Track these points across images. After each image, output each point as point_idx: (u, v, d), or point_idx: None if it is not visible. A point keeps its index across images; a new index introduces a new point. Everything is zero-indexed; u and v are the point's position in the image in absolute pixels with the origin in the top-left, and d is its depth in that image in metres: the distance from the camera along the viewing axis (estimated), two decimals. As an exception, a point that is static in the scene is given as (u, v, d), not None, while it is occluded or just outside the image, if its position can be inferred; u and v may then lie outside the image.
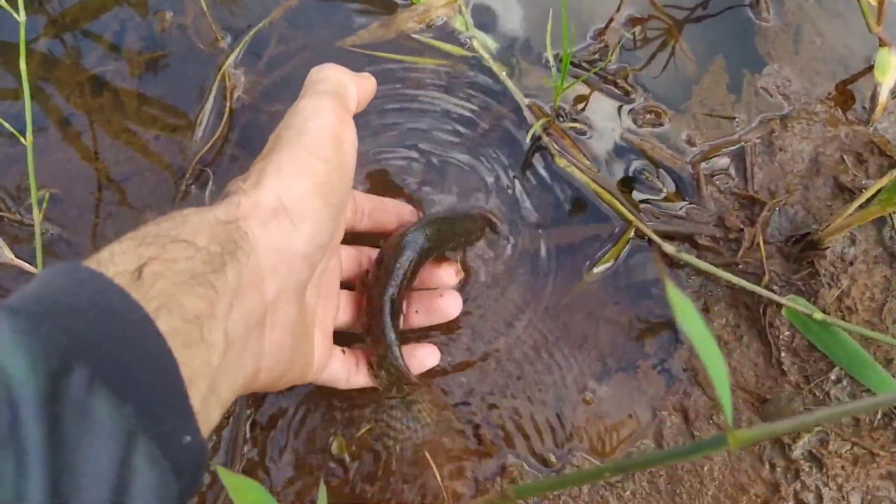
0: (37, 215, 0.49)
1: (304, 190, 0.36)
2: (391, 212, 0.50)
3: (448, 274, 0.50)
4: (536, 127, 0.55)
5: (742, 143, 0.57)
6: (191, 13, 0.61)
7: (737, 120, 0.59)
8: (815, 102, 0.60)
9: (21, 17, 0.50)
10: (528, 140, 0.56)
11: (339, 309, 0.46)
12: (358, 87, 0.42)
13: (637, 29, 0.61)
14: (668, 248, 0.52)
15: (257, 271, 0.33)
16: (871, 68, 0.61)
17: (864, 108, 0.60)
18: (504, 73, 0.58)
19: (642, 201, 0.55)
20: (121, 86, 0.59)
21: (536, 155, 0.56)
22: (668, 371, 0.51)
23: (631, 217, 0.53)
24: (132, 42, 0.61)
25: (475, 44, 0.59)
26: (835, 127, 0.58)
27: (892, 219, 0.51)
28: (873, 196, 0.46)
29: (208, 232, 0.31)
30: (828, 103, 0.60)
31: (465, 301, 0.50)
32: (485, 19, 0.62)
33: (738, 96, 0.60)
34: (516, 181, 0.56)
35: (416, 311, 0.48)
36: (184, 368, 0.26)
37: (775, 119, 0.59)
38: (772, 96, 0.60)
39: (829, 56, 0.62)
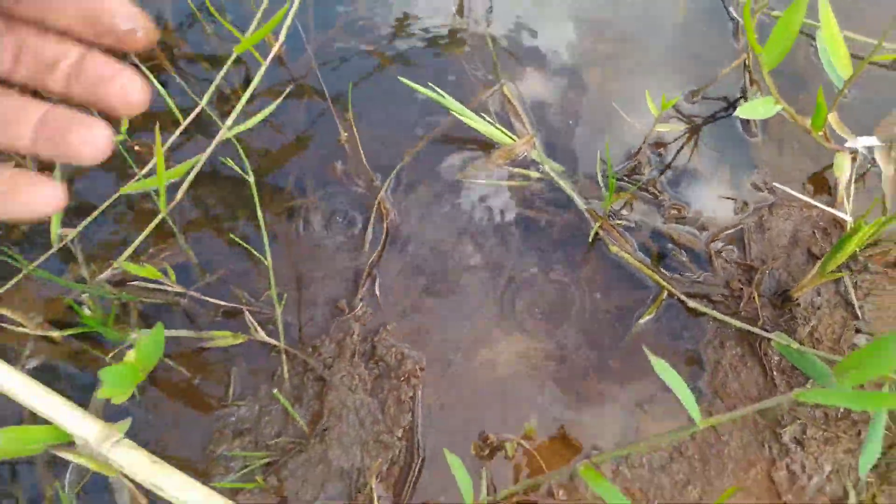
0: (278, 306, 0.78)
1: None
2: None
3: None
4: (596, 228, 0.81)
5: (741, 226, 0.82)
6: (353, 163, 0.90)
7: (737, 208, 0.84)
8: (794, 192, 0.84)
9: (251, 177, 0.80)
10: (590, 237, 0.82)
11: None
12: None
13: (661, 150, 0.87)
14: (692, 303, 0.77)
15: None
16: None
17: (829, 194, 0.84)
18: (569, 188, 0.85)
19: (672, 272, 0.80)
20: (308, 215, 0.88)
21: (596, 244, 0.82)
22: (699, 389, 0.76)
23: (664, 284, 0.79)
24: (313, 185, 0.91)
25: (547, 169, 0.86)
26: (809, 210, 0.82)
27: (845, 277, 0.75)
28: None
29: None
30: (804, 192, 0.84)
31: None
32: (553, 150, 0.89)
33: (737, 191, 0.85)
34: (581, 263, 0.82)
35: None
36: None
37: (765, 206, 0.83)
38: (762, 190, 0.85)
39: (804, 156, 0.87)
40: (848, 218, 0.74)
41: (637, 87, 0.92)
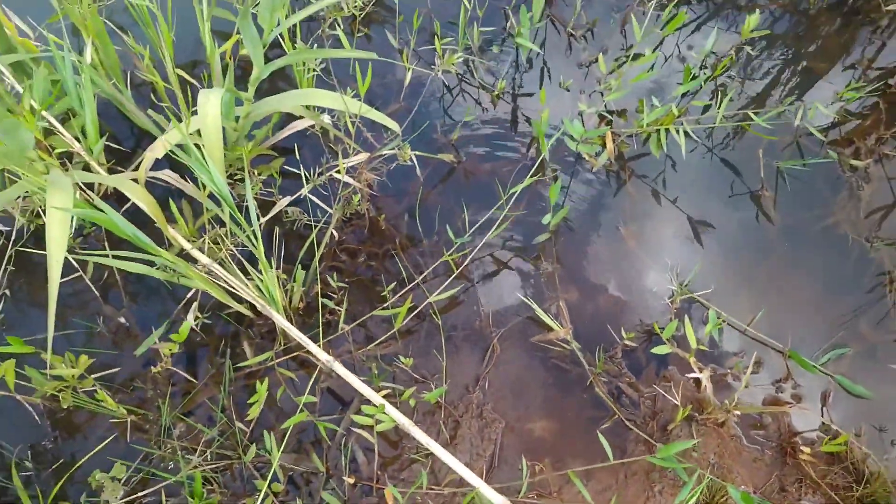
0: (444, 385, 1.74)
1: None
2: None
3: None
4: (591, 378, 1.79)
5: (655, 393, 1.80)
6: (484, 322, 1.89)
7: (656, 383, 1.82)
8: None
9: (439, 320, 1.78)
10: (588, 382, 1.80)
11: None
12: None
13: (627, 347, 1.86)
14: (627, 423, 1.74)
15: None
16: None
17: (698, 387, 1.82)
18: (582, 358, 1.83)
19: (622, 406, 1.78)
20: (458, 344, 1.87)
21: (591, 386, 1.80)
22: (625, 462, 1.71)
23: (617, 411, 1.76)
24: (461, 328, 1.89)
25: (573, 346, 1.85)
26: (686, 391, 1.81)
27: (692, 425, 1.72)
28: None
29: None
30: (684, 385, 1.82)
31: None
32: (577, 335, 1.88)
33: (657, 377, 1.83)
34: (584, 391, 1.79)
35: None
36: None
37: (669, 385, 1.81)
38: (668, 379, 1.83)
39: (687, 367, 1.86)
40: (677, 401, 1.72)
41: (618, 316, 1.92)
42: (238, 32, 2.04)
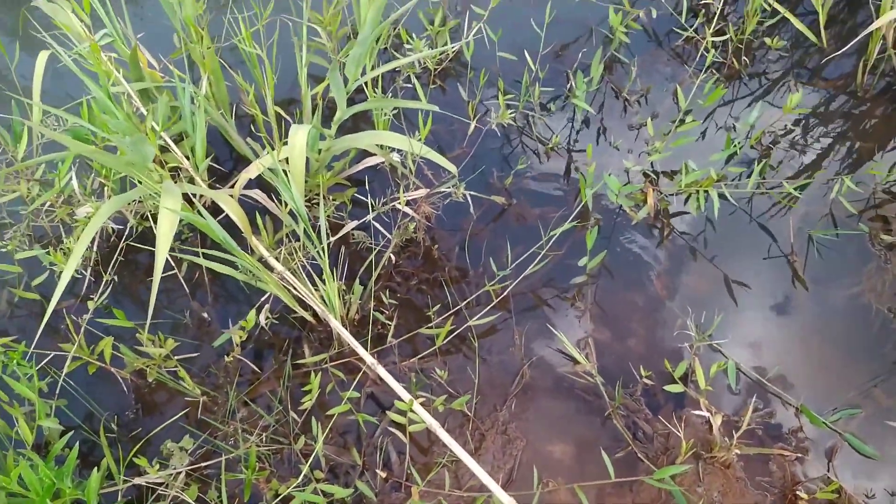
0: (473, 400, 1.94)
1: None
2: None
3: None
4: (610, 410, 1.96)
5: (668, 433, 1.95)
6: (517, 350, 2.09)
7: (671, 426, 1.96)
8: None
9: (475, 341, 1.99)
10: (607, 413, 1.96)
11: None
12: None
13: (654, 384, 2.02)
14: (640, 454, 1.89)
15: None
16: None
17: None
18: (603, 391, 2.00)
19: (636, 439, 1.93)
20: (490, 369, 2.07)
21: (609, 417, 1.96)
22: (631, 483, 1.86)
23: (631, 443, 1.91)
24: (496, 349, 2.09)
25: (597, 380, 2.02)
26: (692, 424, 1.94)
27: (698, 464, 1.86)
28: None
29: None
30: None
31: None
32: (602, 371, 2.05)
33: (672, 419, 1.98)
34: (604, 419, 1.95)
35: None
36: None
37: (682, 422, 1.96)
38: (676, 420, 1.97)
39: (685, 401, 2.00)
40: (681, 433, 1.86)
41: (642, 357, 2.08)
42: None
